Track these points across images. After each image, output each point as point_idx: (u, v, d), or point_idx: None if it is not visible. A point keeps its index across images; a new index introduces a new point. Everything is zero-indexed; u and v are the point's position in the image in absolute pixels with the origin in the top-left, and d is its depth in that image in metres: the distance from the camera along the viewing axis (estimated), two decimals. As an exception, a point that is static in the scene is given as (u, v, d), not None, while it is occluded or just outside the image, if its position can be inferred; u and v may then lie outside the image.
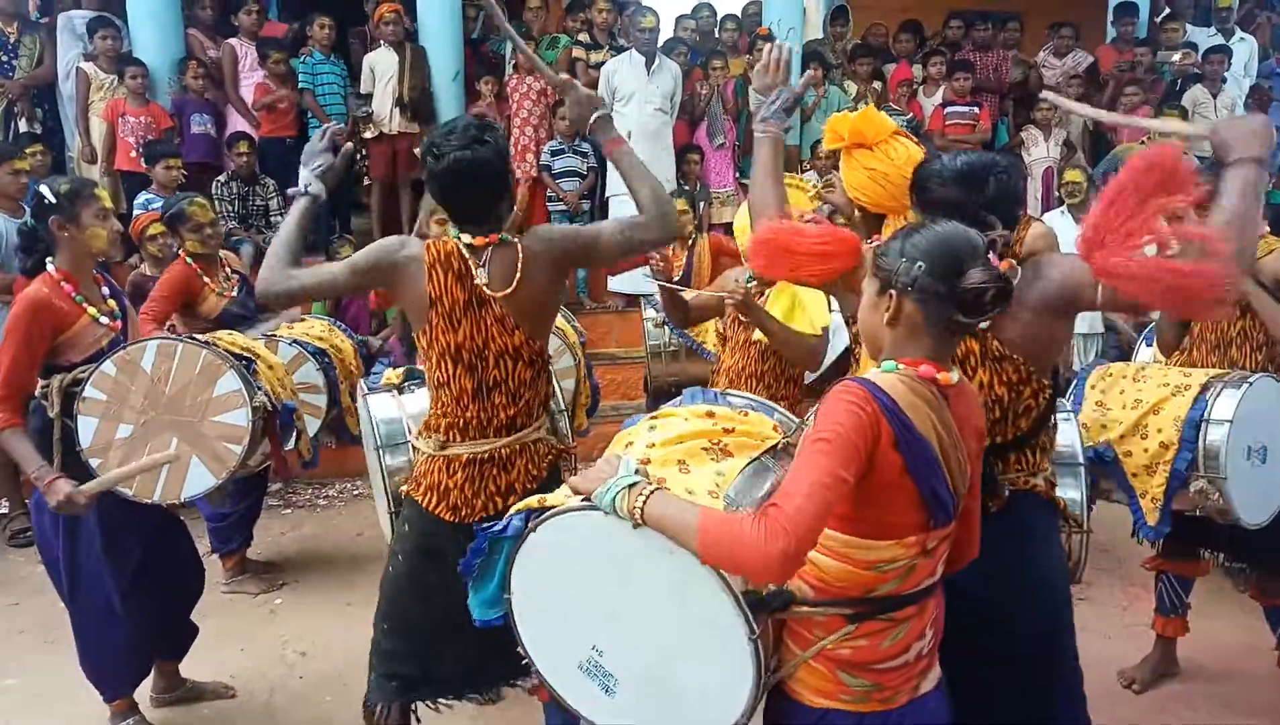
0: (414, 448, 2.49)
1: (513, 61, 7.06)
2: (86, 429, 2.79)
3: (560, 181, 6.73)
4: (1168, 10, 8.27)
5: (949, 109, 7.19)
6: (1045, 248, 4.22)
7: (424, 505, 2.36)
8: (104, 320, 2.92)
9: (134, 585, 3.02)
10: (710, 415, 1.83)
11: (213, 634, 3.64)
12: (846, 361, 2.83)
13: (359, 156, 7.03)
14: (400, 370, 2.99)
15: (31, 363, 2.78)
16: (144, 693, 3.28)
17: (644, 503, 1.52)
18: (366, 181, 7.10)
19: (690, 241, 5.19)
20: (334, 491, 5.66)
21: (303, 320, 4.37)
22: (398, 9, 6.72)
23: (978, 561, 1.78)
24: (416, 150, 6.61)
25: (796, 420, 1.91)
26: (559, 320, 3.89)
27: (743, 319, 3.29)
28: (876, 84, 7.61)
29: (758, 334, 3.19)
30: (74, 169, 6.56)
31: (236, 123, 6.71)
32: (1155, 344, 3.47)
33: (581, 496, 1.66)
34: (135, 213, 5.45)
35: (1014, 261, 2.03)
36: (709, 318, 3.71)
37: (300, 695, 3.48)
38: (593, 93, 2.45)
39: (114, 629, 3.03)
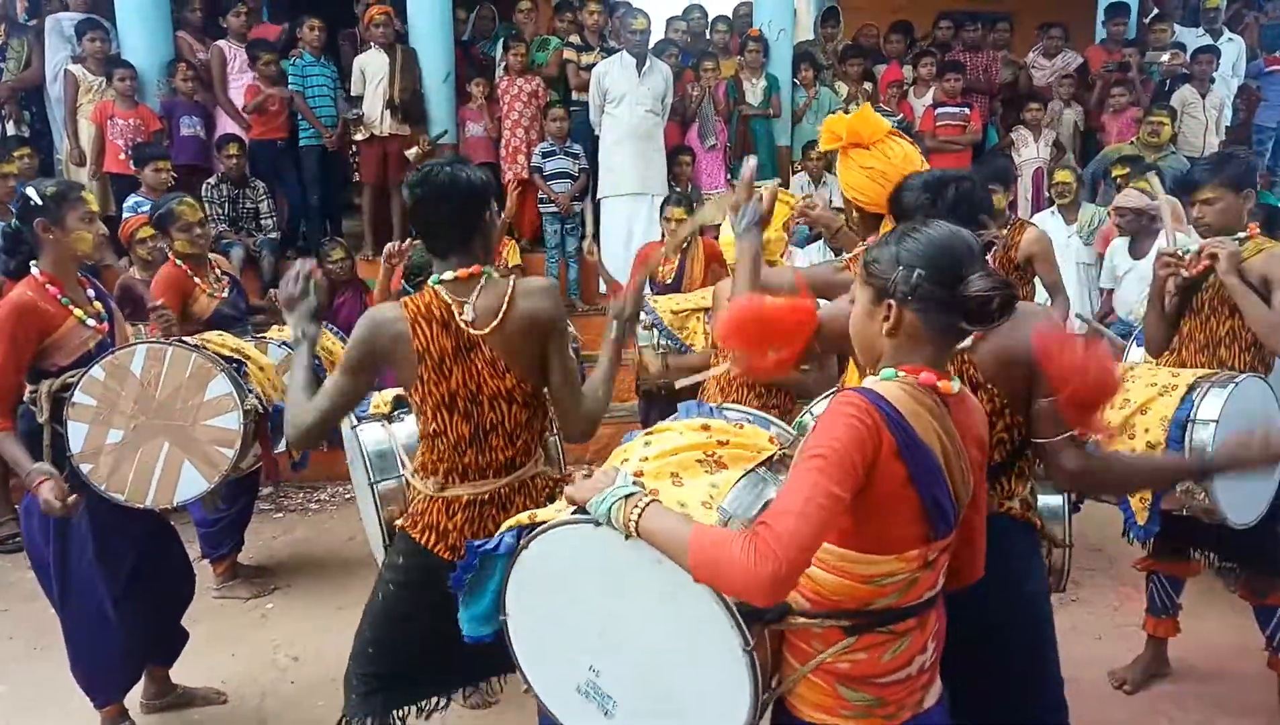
0: (408, 482, 2.44)
1: (503, 63, 7.05)
2: (76, 434, 2.78)
3: (551, 183, 6.73)
4: (1156, 11, 8.30)
5: (940, 110, 7.20)
6: (1040, 252, 4.27)
7: (421, 543, 2.33)
8: (90, 322, 2.90)
9: (126, 591, 3.01)
10: (705, 428, 1.80)
11: (204, 639, 3.63)
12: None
13: (351, 154, 7.02)
14: (389, 394, 2.94)
15: (18, 366, 2.77)
16: (134, 699, 3.26)
17: (639, 515, 1.49)
18: (357, 177, 7.08)
19: (684, 245, 5.19)
20: (325, 495, 5.65)
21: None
22: (388, 11, 6.70)
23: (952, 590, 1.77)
24: (408, 152, 6.60)
25: (793, 433, 1.90)
26: None
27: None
28: (867, 85, 7.63)
29: None
30: (62, 171, 6.54)
31: (226, 125, 6.69)
32: (1144, 344, 3.47)
33: (574, 508, 1.64)
34: (124, 215, 5.42)
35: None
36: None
37: (292, 700, 3.47)
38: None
39: (105, 635, 3.01)
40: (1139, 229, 5.02)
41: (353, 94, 6.69)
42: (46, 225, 2.81)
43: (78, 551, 2.95)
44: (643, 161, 6.65)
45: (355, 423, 2.83)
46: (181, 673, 3.42)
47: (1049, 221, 5.85)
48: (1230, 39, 7.91)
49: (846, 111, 6.28)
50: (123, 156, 6.19)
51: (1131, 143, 6.63)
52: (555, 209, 6.75)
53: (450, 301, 2.22)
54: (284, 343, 3.84)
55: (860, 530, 1.49)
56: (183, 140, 6.54)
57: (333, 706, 2.52)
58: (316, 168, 6.74)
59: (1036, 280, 4.40)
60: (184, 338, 3.25)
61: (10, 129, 6.58)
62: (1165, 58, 7.45)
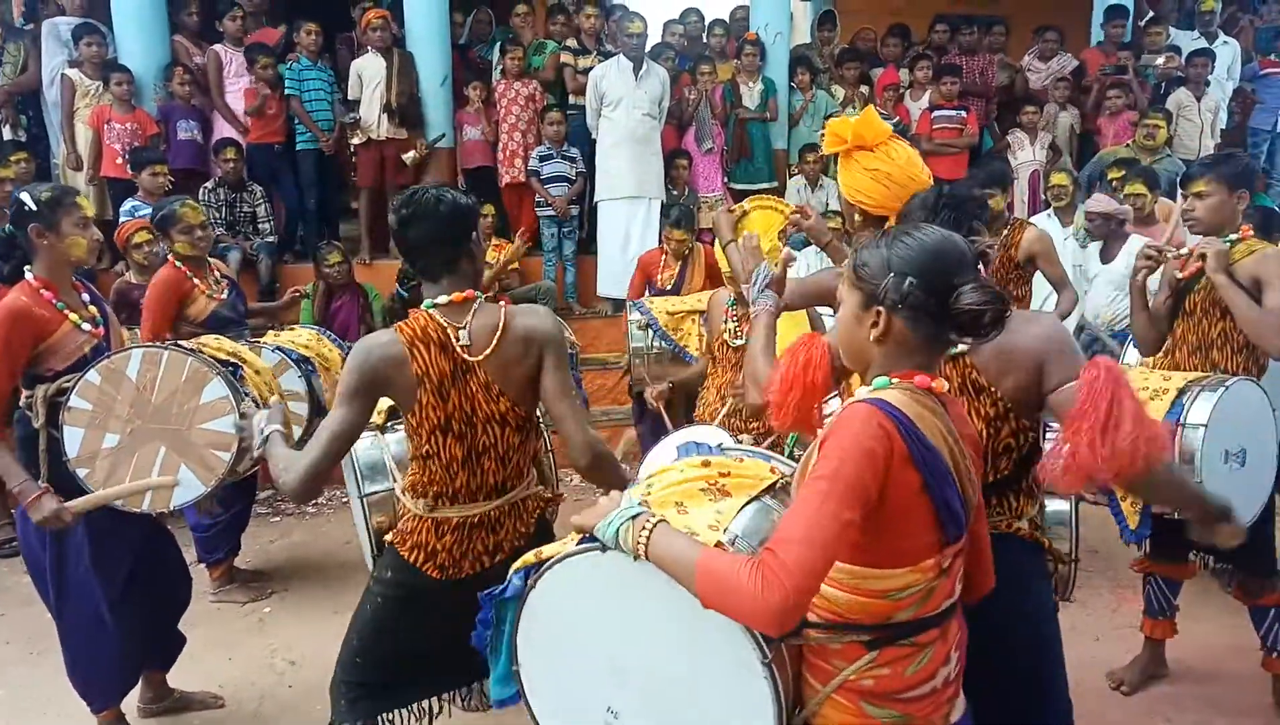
0: (398, 498, 2.43)
1: (500, 67, 7.05)
2: (72, 439, 2.78)
3: (549, 187, 6.73)
4: (1151, 14, 8.32)
5: (936, 113, 7.22)
6: (1043, 251, 4.29)
7: (410, 561, 2.32)
8: (86, 327, 2.90)
9: (123, 595, 3.00)
10: (706, 464, 1.78)
11: (201, 643, 3.62)
12: None
13: (350, 155, 7.02)
14: (384, 404, 2.94)
15: (11, 373, 2.77)
16: (131, 703, 3.26)
17: (647, 537, 1.47)
18: (354, 177, 7.09)
19: (685, 253, 5.20)
20: (322, 499, 5.63)
21: (291, 328, 4.35)
22: (385, 15, 6.71)
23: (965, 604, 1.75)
24: (405, 156, 6.60)
25: (793, 465, 1.86)
26: None
27: (730, 343, 3.41)
28: (864, 88, 7.63)
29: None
30: (59, 176, 6.53)
31: (223, 129, 6.69)
32: (1138, 346, 3.48)
33: (580, 537, 1.61)
34: (121, 219, 5.42)
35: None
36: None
37: (289, 704, 3.46)
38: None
39: (102, 639, 3.01)
40: (1108, 233, 5.03)
41: (350, 98, 6.69)
42: (41, 230, 2.81)
43: (74, 556, 2.94)
44: (640, 165, 6.65)
45: None
46: (179, 677, 3.41)
47: (1045, 224, 5.86)
48: (1225, 42, 7.93)
49: (841, 115, 6.31)
50: (120, 161, 6.20)
51: (1127, 146, 6.64)
52: (552, 212, 6.75)
53: (445, 324, 2.21)
54: (278, 347, 3.84)
55: (874, 545, 1.45)
56: (180, 144, 6.54)
57: (330, 710, 2.52)
58: (314, 172, 6.75)
59: (1036, 279, 4.42)
60: (180, 341, 3.25)
61: (7, 133, 6.58)
62: (1160, 61, 7.46)
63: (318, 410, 4.01)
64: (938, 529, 1.48)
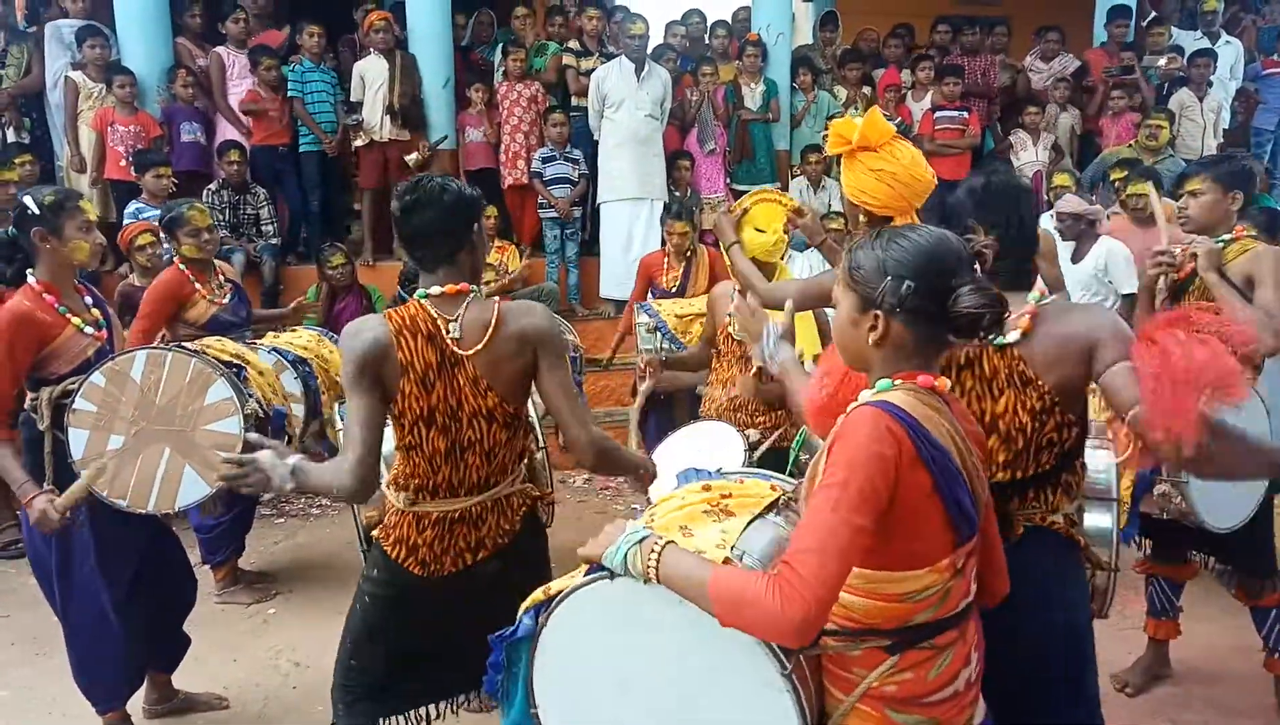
0: (384, 492, 2.41)
1: (502, 68, 7.06)
2: (78, 441, 2.78)
3: (551, 188, 6.74)
4: (1154, 14, 8.32)
5: (938, 113, 7.22)
6: (1045, 250, 4.29)
7: (393, 557, 2.31)
8: (89, 330, 2.91)
9: (128, 596, 3.01)
10: (707, 488, 1.78)
11: (205, 645, 3.63)
12: None
13: (352, 155, 7.03)
14: None
15: (15, 377, 2.77)
16: (136, 704, 3.26)
17: (657, 558, 1.46)
18: (357, 179, 7.09)
19: (688, 253, 5.20)
20: (326, 501, 5.64)
21: (293, 330, 4.35)
22: (387, 17, 6.71)
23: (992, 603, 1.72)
24: (408, 158, 6.61)
25: (792, 482, 1.86)
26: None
27: (735, 337, 3.39)
28: (866, 89, 7.64)
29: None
30: (63, 178, 6.55)
31: (226, 131, 6.70)
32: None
33: (588, 567, 1.60)
34: (125, 221, 5.43)
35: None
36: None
37: (294, 706, 3.47)
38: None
39: (107, 640, 3.01)
40: (1079, 234, 5.03)
41: (352, 100, 6.70)
42: (44, 234, 2.82)
43: (80, 557, 2.95)
44: (642, 166, 6.66)
45: (339, 425, 2.83)
46: (183, 678, 3.42)
47: (1046, 224, 5.85)
48: (1228, 42, 7.93)
49: (844, 116, 6.30)
50: (123, 163, 6.21)
51: (1130, 146, 6.64)
52: (555, 214, 6.76)
53: (436, 316, 2.19)
54: (274, 348, 3.84)
55: (888, 548, 1.44)
56: (183, 146, 6.56)
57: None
58: (317, 174, 6.76)
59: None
60: (183, 343, 3.25)
61: (11, 135, 6.58)
62: (1163, 61, 7.46)
63: (315, 412, 4.01)
64: (950, 529, 1.47)
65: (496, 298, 2.30)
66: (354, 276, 5.99)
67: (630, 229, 6.71)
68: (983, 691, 1.65)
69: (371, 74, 6.63)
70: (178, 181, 5.82)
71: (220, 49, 6.73)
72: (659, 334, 4.39)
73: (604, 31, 7.39)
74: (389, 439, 2.40)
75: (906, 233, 1.53)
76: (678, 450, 3.25)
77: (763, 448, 3.31)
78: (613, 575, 1.54)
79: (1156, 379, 1.62)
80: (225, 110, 6.70)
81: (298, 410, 3.82)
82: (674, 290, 5.07)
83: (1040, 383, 1.89)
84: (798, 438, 3.08)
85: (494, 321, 2.21)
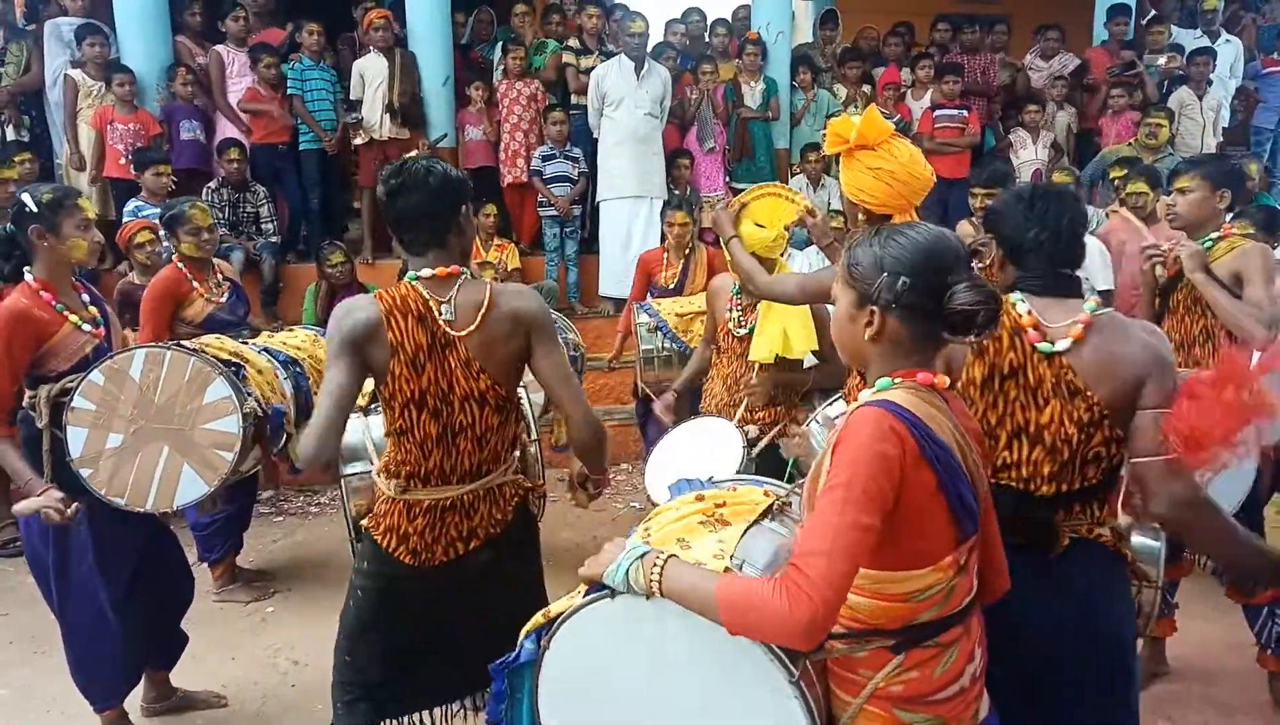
0: (375, 481, 2.40)
1: (502, 67, 7.06)
2: (76, 439, 2.78)
3: (551, 186, 6.74)
4: (1153, 13, 8.31)
5: (938, 112, 7.21)
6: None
7: (383, 546, 2.29)
8: (86, 327, 2.91)
9: (126, 594, 3.01)
10: (700, 498, 1.78)
11: (204, 643, 3.63)
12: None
13: (352, 156, 7.03)
14: (369, 386, 2.93)
15: (13, 374, 2.77)
16: (134, 703, 3.26)
17: (660, 573, 1.46)
18: (357, 177, 7.09)
19: (688, 250, 5.20)
20: (325, 498, 5.64)
21: (290, 329, 4.35)
22: (387, 15, 6.71)
23: (1042, 612, 1.70)
24: (407, 156, 6.59)
25: (785, 487, 1.87)
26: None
27: (735, 333, 3.41)
28: (866, 87, 7.64)
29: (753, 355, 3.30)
30: (63, 176, 6.55)
31: (225, 129, 6.70)
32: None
33: (589, 587, 1.59)
34: (125, 219, 5.43)
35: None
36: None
37: (292, 704, 3.47)
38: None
39: (105, 639, 3.02)
40: None
41: (352, 98, 6.69)
42: (42, 232, 2.82)
43: (78, 556, 2.95)
44: (642, 164, 6.66)
45: None
46: (181, 676, 3.42)
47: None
48: (1228, 40, 7.92)
49: (844, 114, 6.29)
50: (123, 161, 6.21)
51: (1129, 144, 6.64)
52: (555, 212, 6.76)
53: (428, 297, 2.18)
54: (265, 348, 3.84)
55: (892, 548, 1.44)
56: (183, 144, 6.56)
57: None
58: (317, 172, 6.76)
59: None
60: (182, 341, 3.25)
61: (10, 134, 6.59)
62: (1162, 60, 7.46)
63: (305, 413, 3.99)
64: (953, 526, 1.48)
65: (488, 280, 2.29)
66: (353, 275, 5.99)
67: (630, 227, 6.70)
68: (1024, 701, 1.65)
69: (371, 72, 6.63)
70: (177, 180, 5.81)
71: (220, 47, 6.73)
72: (660, 333, 4.38)
73: (604, 30, 7.39)
74: (373, 428, 2.38)
75: (904, 230, 1.54)
76: (678, 447, 3.25)
77: (761, 444, 3.31)
78: (613, 594, 1.53)
79: (1204, 393, 1.64)
80: (225, 108, 6.70)
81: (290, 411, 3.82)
82: (672, 287, 5.06)
83: (1089, 394, 1.86)
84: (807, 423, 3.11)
85: (487, 302, 2.20)
